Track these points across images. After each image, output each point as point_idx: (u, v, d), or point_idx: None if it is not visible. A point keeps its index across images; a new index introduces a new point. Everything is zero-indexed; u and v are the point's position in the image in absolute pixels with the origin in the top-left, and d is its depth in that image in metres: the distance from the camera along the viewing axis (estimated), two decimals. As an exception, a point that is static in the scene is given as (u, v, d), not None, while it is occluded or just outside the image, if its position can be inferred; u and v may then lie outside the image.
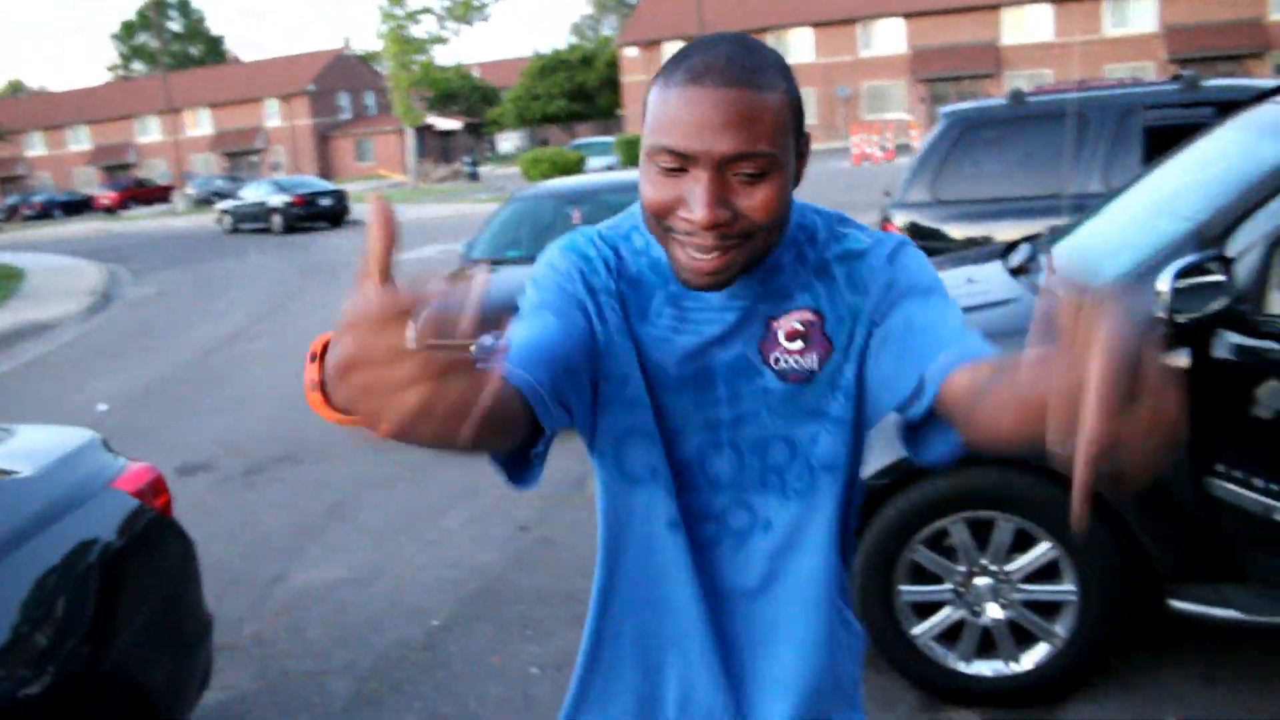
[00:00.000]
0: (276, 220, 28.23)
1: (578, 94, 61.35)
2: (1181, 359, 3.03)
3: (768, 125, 1.18)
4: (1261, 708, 3.28)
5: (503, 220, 9.14)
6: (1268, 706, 3.28)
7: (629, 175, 11.57)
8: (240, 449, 7.39)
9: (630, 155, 34.63)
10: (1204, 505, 3.08)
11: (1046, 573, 3.28)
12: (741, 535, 1.42)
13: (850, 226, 1.41)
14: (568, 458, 6.48)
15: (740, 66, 1.18)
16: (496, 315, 0.80)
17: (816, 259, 1.37)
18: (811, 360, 1.35)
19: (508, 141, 72.89)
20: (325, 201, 28.66)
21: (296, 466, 6.87)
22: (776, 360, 1.35)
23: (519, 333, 1.24)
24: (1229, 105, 6.67)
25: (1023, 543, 3.28)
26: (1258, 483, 2.91)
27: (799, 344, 1.35)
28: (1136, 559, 3.20)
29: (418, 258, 18.51)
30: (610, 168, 32.86)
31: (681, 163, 1.19)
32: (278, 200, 28.34)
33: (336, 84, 66.83)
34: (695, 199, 1.19)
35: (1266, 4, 46.29)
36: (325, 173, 60.69)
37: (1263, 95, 4.12)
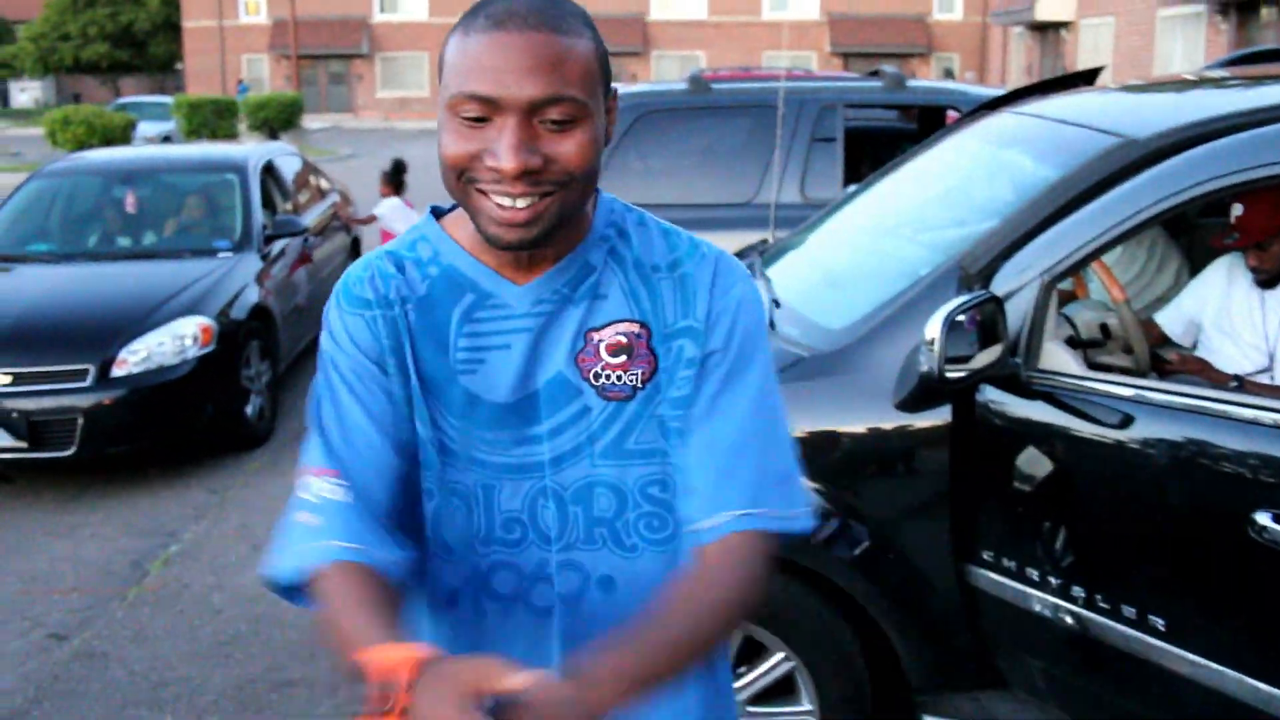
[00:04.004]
0: None
1: (124, 38, 57.80)
2: (941, 419, 3.03)
3: (576, 70, 1.36)
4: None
5: (24, 203, 8.26)
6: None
7: (203, 149, 10.84)
8: None
9: (195, 121, 32.81)
10: (965, 599, 3.08)
11: (780, 690, 3.19)
12: (572, 598, 1.54)
13: (654, 224, 1.57)
14: (120, 533, 5.90)
15: (544, 12, 1.36)
16: None
17: (634, 261, 1.53)
18: (635, 376, 1.50)
19: (25, 93, 67.46)
20: None
21: None
22: (596, 376, 1.50)
23: (345, 470, 1.46)
24: (935, 110, 7.12)
25: (750, 653, 3.17)
26: (1030, 574, 2.93)
27: (622, 358, 1.50)
28: (886, 668, 3.16)
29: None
30: (168, 137, 31.05)
31: (486, 110, 1.34)
32: None
33: None
34: (501, 146, 1.33)
35: (930, 2, 51.35)
36: None
37: (991, 103, 4.29)
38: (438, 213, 1.59)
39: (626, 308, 1.51)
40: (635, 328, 1.50)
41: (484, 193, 1.37)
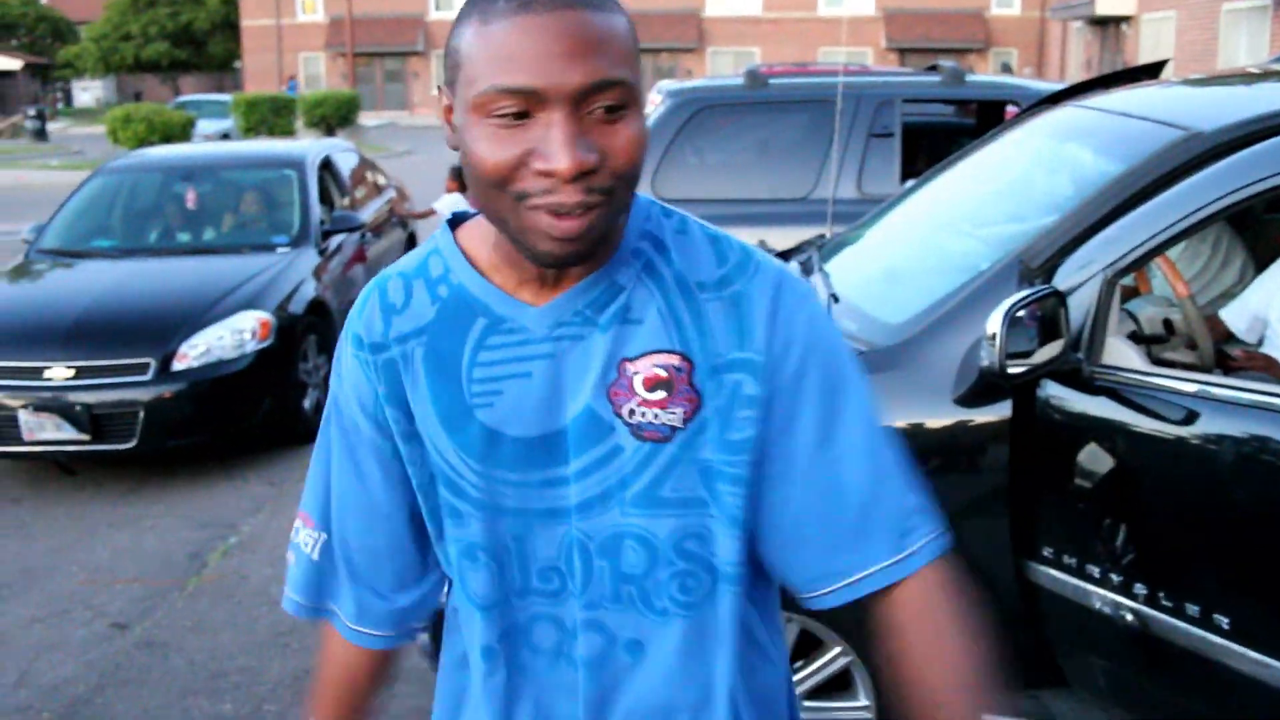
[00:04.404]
0: None
1: (183, 37, 58.48)
2: (1001, 415, 3.00)
3: (620, 50, 1.19)
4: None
5: (87, 199, 8.37)
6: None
7: (262, 146, 10.94)
8: None
9: (253, 118, 33.25)
10: (1025, 596, 3.06)
11: (836, 684, 3.18)
12: (596, 662, 1.39)
13: (698, 231, 1.39)
14: (179, 525, 5.97)
15: None
16: None
17: (676, 278, 1.34)
18: (674, 415, 1.31)
19: (87, 92, 68.44)
20: None
21: None
22: (631, 413, 1.31)
23: (344, 547, 1.47)
24: (993, 105, 7.07)
25: (807, 647, 3.16)
26: (1091, 571, 2.90)
27: (660, 394, 1.31)
28: (944, 665, 3.15)
29: (-40, 241, 16.79)
30: (227, 135, 31.46)
31: (526, 104, 1.16)
32: None
33: None
34: (553, 144, 1.16)
35: (989, -4, 50.96)
36: None
37: (1053, 98, 4.25)
38: (456, 221, 1.42)
39: (665, 336, 1.31)
40: (675, 360, 1.31)
41: (536, 208, 1.18)
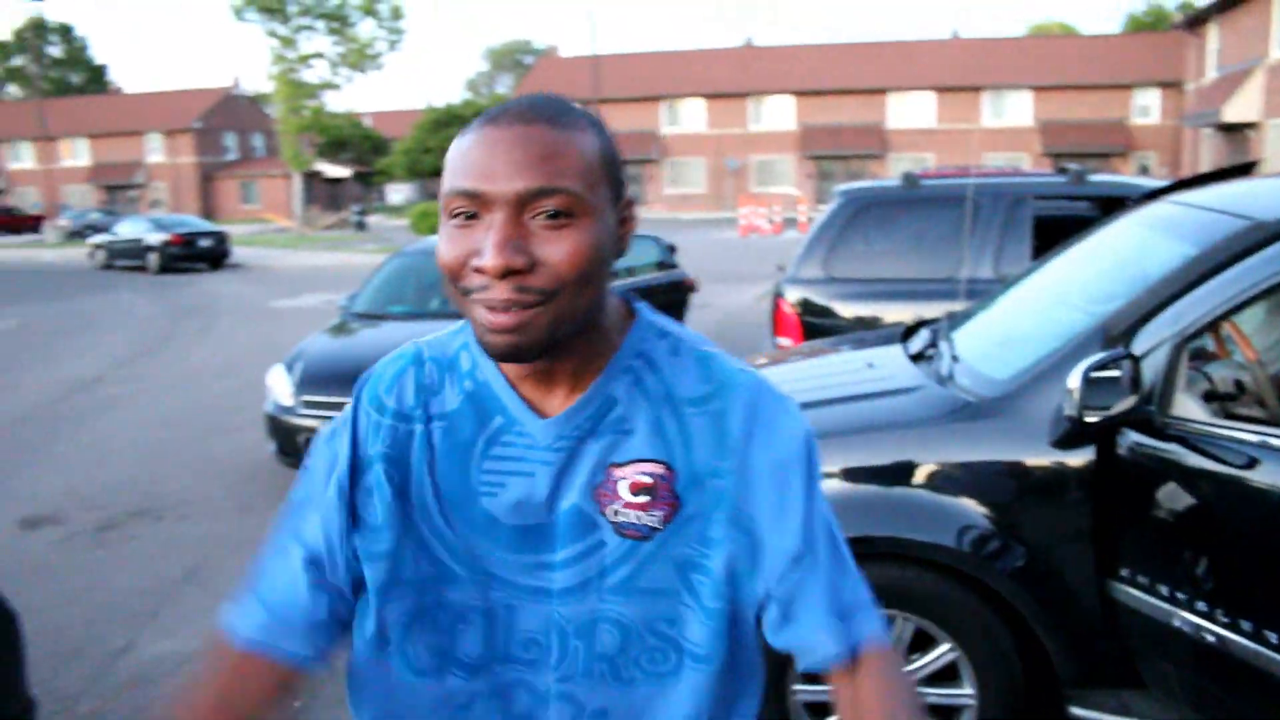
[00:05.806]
0: (152, 259, 27.12)
1: (471, 149, 61.20)
2: (1086, 457, 2.96)
3: (573, 163, 1.10)
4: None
5: (387, 275, 8.87)
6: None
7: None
8: (93, 501, 6.89)
9: (521, 213, 34.67)
10: (1107, 610, 2.99)
11: (945, 675, 3.15)
12: None
13: (689, 352, 1.26)
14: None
15: (541, 108, 1.13)
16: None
17: (663, 392, 1.22)
18: (655, 517, 1.20)
19: (397, 193, 72.15)
20: (205, 242, 27.71)
21: (154, 523, 6.42)
22: (615, 513, 1.20)
23: (275, 572, 1.26)
24: (1112, 200, 6.87)
25: (921, 643, 3.15)
26: (1161, 589, 2.83)
27: (644, 499, 1.20)
28: (1037, 663, 3.09)
29: (297, 306, 17.98)
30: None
31: (474, 206, 1.09)
32: (155, 238, 27.25)
33: (223, 123, 65.20)
34: (486, 244, 1.07)
35: (1129, 108, 48.97)
36: (208, 213, 58.98)
37: (1153, 194, 4.15)
38: None
39: (651, 446, 1.20)
40: (660, 469, 1.19)
41: (475, 301, 1.10)
